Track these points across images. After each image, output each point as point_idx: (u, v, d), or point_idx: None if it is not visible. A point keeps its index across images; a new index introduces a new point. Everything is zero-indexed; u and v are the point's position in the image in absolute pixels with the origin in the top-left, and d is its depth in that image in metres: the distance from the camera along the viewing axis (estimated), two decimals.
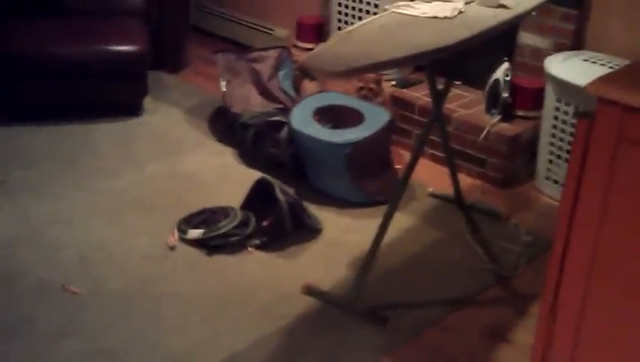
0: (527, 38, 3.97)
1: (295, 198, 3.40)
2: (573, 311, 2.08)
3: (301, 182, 3.75)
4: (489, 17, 2.70)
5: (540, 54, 3.87)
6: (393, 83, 4.28)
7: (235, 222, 3.31)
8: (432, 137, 3.59)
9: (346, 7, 4.58)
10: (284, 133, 3.82)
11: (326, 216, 3.53)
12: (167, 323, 2.86)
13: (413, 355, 2.74)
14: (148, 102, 4.58)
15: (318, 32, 4.82)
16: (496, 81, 3.85)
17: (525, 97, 3.87)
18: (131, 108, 4.49)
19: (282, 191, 3.35)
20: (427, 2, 2.81)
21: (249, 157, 3.99)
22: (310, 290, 3.02)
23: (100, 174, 3.84)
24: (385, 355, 2.73)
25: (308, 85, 4.29)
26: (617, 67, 3.14)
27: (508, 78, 3.85)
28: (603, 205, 1.95)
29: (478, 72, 3.94)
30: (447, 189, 3.43)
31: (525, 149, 3.86)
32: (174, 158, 4.03)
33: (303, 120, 3.77)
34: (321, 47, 2.54)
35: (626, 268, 1.97)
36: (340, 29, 4.60)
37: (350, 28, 2.63)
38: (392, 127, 3.81)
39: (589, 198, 1.97)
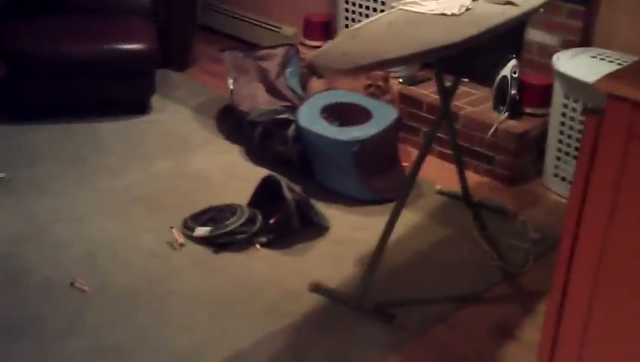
0: (535, 35, 3.95)
1: (302, 196, 3.39)
2: (580, 310, 2.07)
3: (308, 179, 3.74)
4: (496, 14, 2.68)
5: (548, 51, 3.85)
6: (401, 80, 4.27)
7: (242, 220, 3.31)
8: (439, 135, 3.58)
9: (353, 4, 4.57)
10: (291, 130, 3.82)
11: (333, 214, 3.52)
12: (174, 320, 2.86)
13: (421, 352, 2.74)
14: (155, 100, 4.58)
15: (325, 29, 4.81)
16: (504, 78, 3.84)
17: (533, 94, 3.86)
18: (139, 107, 4.49)
19: (289, 188, 3.35)
20: None
21: (256, 154, 3.99)
22: (317, 288, 3.02)
23: (106, 172, 3.84)
24: (392, 352, 2.72)
25: (315, 83, 4.28)
26: (626, 63, 3.12)
27: (516, 75, 3.83)
28: (612, 203, 1.94)
29: (485, 69, 3.93)
30: (455, 187, 3.42)
31: (533, 146, 3.85)
32: (181, 156, 4.03)
33: (310, 117, 3.77)
34: (328, 45, 2.54)
35: (634, 266, 1.96)
36: (347, 26, 4.60)
37: (357, 25, 2.63)
38: (399, 124, 3.81)
39: (598, 196, 1.95)
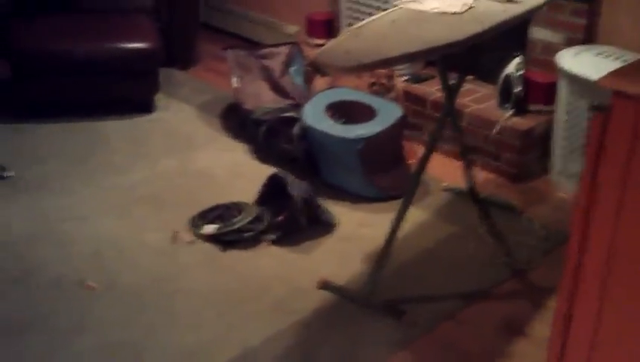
0: (539, 33, 3.96)
1: (309, 193, 3.40)
2: (590, 312, 2.07)
3: (314, 177, 3.74)
4: (499, 12, 2.69)
5: (552, 49, 3.85)
6: (405, 78, 4.28)
7: (250, 218, 3.32)
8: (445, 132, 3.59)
9: (356, 2, 4.57)
10: (296, 128, 3.82)
11: (340, 211, 3.53)
12: (182, 318, 2.86)
13: (429, 349, 2.74)
14: (159, 98, 4.58)
15: (328, 28, 4.82)
16: (509, 75, 3.85)
17: (538, 92, 3.86)
18: (143, 105, 4.50)
19: (296, 186, 3.35)
20: None
21: (262, 153, 4.00)
22: (325, 285, 3.02)
23: (111, 170, 3.85)
24: (400, 349, 2.73)
25: (319, 81, 4.29)
26: (629, 61, 3.13)
27: (520, 73, 3.84)
28: (620, 201, 1.94)
29: (490, 66, 3.94)
30: (461, 184, 3.43)
31: (538, 144, 3.85)
32: (186, 155, 4.04)
33: (315, 116, 3.77)
34: (331, 43, 2.55)
35: None
36: (350, 24, 4.59)
37: (360, 24, 2.64)
38: (404, 122, 3.81)
39: (606, 194, 1.95)
